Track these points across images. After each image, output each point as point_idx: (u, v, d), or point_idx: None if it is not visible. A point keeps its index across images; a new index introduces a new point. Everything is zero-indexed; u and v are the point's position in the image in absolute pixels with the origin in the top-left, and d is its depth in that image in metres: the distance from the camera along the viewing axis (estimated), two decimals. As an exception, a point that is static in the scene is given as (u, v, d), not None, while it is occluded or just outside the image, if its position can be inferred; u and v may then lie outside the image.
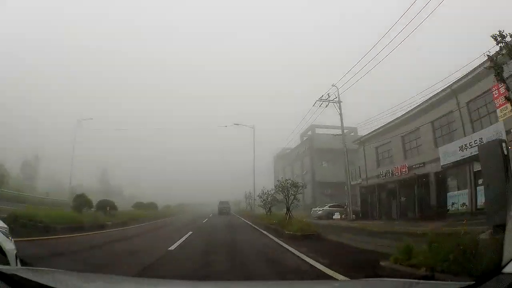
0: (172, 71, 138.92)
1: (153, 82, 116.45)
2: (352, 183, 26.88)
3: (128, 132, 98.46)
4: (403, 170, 23.08)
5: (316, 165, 42.16)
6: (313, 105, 25.27)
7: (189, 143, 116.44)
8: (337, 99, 24.46)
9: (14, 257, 3.28)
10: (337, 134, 26.12)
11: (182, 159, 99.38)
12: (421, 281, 2.60)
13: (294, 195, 15.88)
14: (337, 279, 4.41)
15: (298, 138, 45.48)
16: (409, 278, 3.56)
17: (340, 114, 24.37)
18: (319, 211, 27.98)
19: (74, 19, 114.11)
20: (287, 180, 16.75)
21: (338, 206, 28.28)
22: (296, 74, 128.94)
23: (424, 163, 21.13)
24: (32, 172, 44.22)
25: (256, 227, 16.21)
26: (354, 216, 23.62)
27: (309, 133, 44.27)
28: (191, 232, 12.09)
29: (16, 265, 3.29)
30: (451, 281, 3.11)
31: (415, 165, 21.94)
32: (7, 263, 3.13)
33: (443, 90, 19.10)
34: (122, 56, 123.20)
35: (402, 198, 22.13)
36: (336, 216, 25.79)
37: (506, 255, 1.30)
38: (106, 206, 19.12)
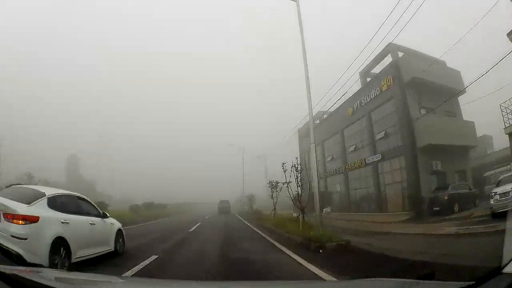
0: (172, 61, 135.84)
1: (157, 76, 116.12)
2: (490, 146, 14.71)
3: (127, 127, 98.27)
4: None
5: (411, 115, 19.25)
6: None
7: (189, 142, 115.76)
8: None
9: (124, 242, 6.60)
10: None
11: (182, 158, 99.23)
12: (421, 281, 2.61)
13: None
14: (336, 279, 4.37)
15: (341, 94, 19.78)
16: (409, 278, 3.56)
17: None
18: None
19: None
20: None
21: None
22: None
23: None
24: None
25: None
26: None
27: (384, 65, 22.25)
28: None
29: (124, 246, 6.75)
30: (451, 281, 3.12)
31: None
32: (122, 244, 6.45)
33: None
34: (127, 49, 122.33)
35: None
36: None
37: (506, 255, 1.30)
38: None
